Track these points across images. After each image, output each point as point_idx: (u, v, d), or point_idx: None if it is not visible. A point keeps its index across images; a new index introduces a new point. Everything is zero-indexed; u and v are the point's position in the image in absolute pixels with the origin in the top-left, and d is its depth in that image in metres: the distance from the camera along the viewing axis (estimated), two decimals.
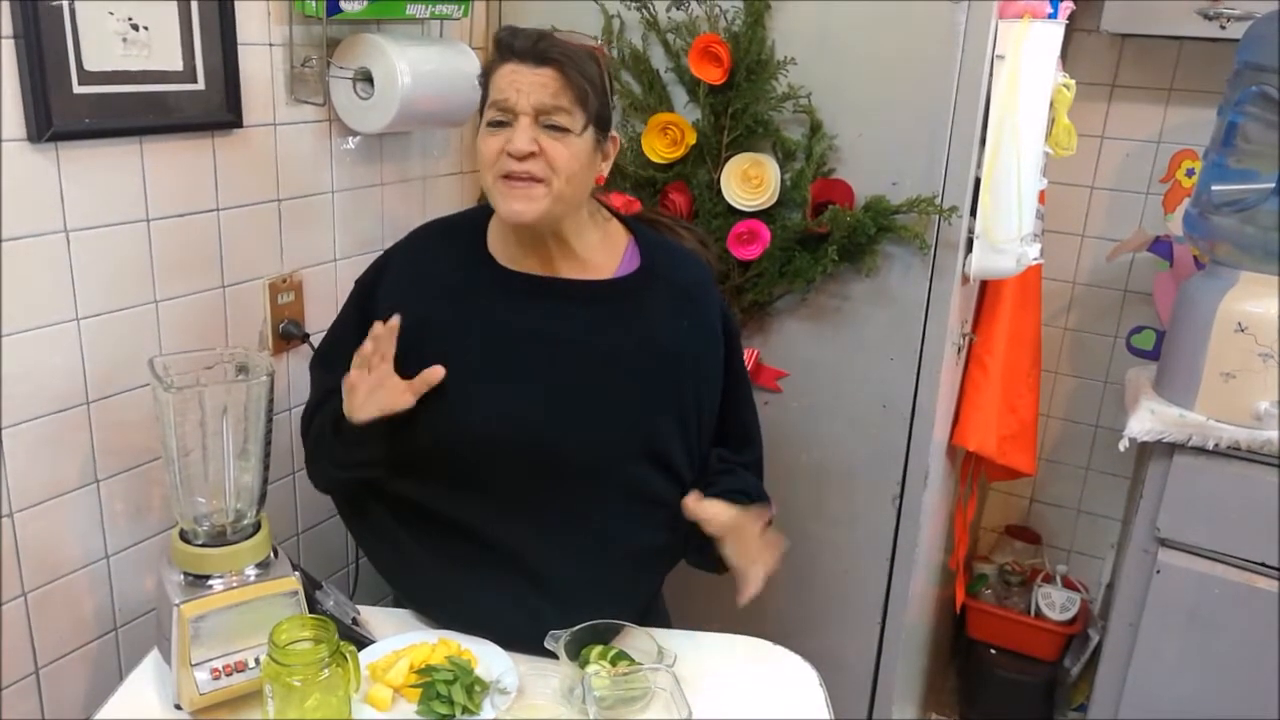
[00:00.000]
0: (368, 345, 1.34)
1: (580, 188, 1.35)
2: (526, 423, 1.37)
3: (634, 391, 1.40)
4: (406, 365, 1.37)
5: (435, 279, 1.42)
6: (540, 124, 1.29)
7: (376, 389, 1.34)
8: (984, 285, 2.01)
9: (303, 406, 1.53)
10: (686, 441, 1.45)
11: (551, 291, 1.40)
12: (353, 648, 1.21)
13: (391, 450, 1.38)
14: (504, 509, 1.39)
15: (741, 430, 1.55)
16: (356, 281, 1.49)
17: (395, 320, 1.35)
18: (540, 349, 1.38)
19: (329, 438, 1.40)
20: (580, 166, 1.33)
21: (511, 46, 1.30)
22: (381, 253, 1.51)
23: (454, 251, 1.44)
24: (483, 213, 1.47)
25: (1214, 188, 1.96)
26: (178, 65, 1.41)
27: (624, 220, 1.50)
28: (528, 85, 1.28)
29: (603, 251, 1.44)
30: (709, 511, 1.37)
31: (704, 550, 1.42)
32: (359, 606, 1.48)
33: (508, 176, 1.31)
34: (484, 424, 1.37)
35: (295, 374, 1.72)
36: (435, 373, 1.34)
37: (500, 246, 1.43)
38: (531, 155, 1.29)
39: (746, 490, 1.47)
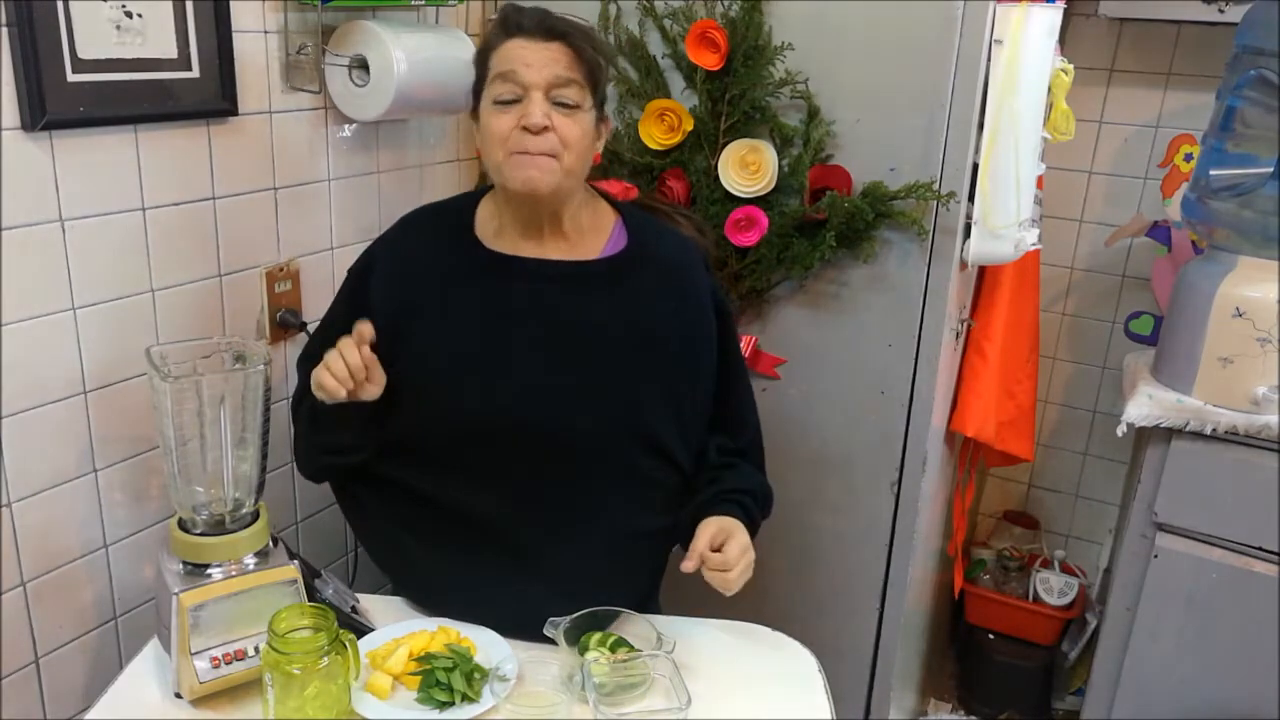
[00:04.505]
0: (354, 359, 1.30)
1: (585, 165, 1.37)
2: (516, 406, 1.37)
3: (623, 372, 1.40)
4: (395, 351, 1.37)
5: (424, 265, 1.42)
6: (550, 99, 1.30)
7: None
8: (982, 271, 2.00)
9: None
10: (680, 423, 1.45)
11: (540, 273, 1.40)
12: (352, 636, 1.22)
13: (371, 434, 1.39)
14: (497, 494, 1.39)
15: (737, 411, 1.55)
16: (349, 271, 1.49)
17: (369, 329, 1.31)
18: (529, 331, 1.38)
19: (310, 422, 1.41)
20: (587, 143, 1.35)
21: (520, 23, 1.31)
22: (373, 240, 1.51)
23: (442, 236, 1.44)
24: (471, 197, 1.47)
25: (1212, 172, 1.96)
26: (172, 53, 1.40)
27: (611, 201, 1.50)
28: (538, 60, 1.29)
29: (591, 232, 1.44)
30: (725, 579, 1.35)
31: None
32: (358, 595, 1.49)
33: (522, 153, 1.31)
34: (474, 408, 1.37)
35: (292, 363, 1.71)
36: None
37: (488, 230, 1.43)
38: (545, 130, 1.29)
39: (749, 489, 1.47)
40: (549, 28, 1.31)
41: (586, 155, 1.36)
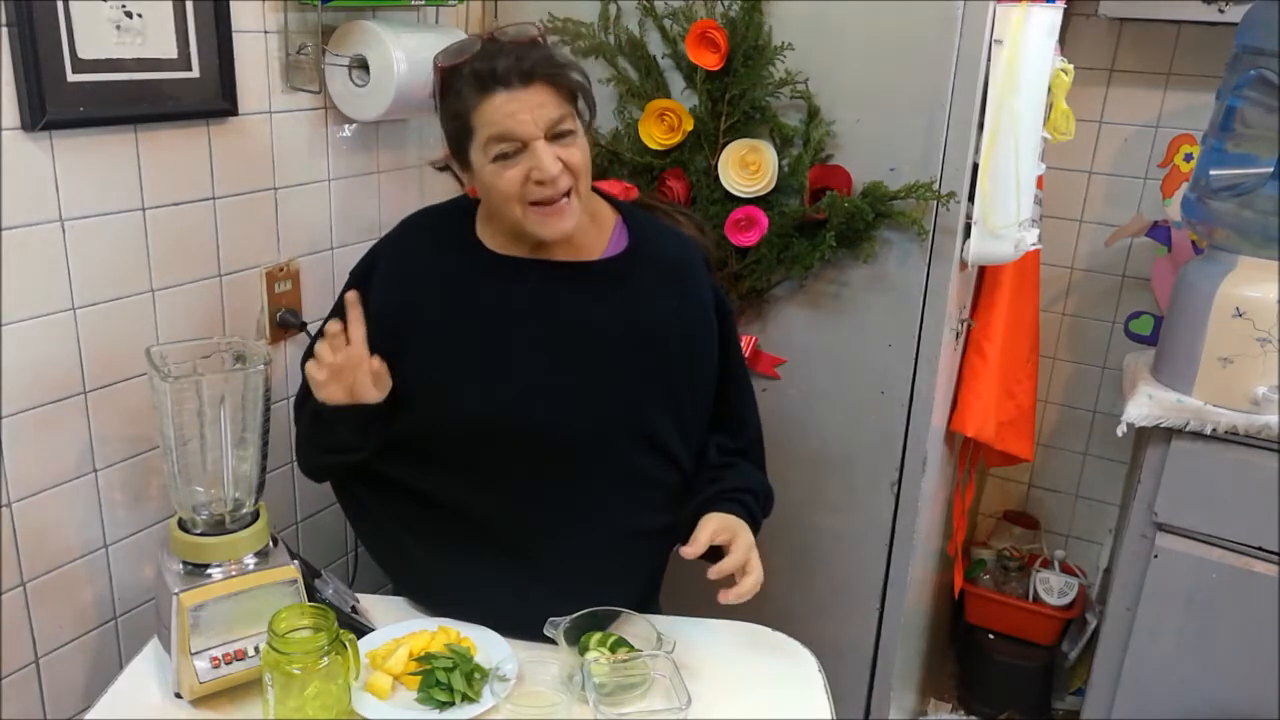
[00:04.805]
0: (334, 325, 1.35)
1: (590, 175, 1.36)
2: (517, 406, 1.37)
3: (624, 372, 1.40)
4: (399, 355, 1.37)
5: (425, 268, 1.42)
6: (548, 137, 1.29)
7: (344, 374, 1.35)
8: (982, 271, 2.00)
9: None
10: (680, 422, 1.45)
11: (542, 274, 1.40)
12: (352, 636, 1.22)
13: (374, 434, 1.39)
14: (497, 494, 1.39)
15: (738, 411, 1.55)
16: (350, 272, 1.49)
17: (354, 294, 1.37)
18: (530, 331, 1.39)
19: (312, 420, 1.41)
20: (590, 157, 1.34)
21: (494, 74, 1.27)
22: (375, 242, 1.51)
23: (443, 239, 1.44)
24: (472, 199, 1.47)
25: (1212, 172, 1.96)
26: (172, 53, 1.40)
27: (611, 201, 1.50)
28: (527, 109, 1.27)
29: (592, 232, 1.44)
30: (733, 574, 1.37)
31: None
32: (358, 594, 1.49)
33: (539, 203, 1.30)
34: (475, 408, 1.37)
35: (293, 363, 1.72)
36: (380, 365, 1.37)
37: (490, 232, 1.43)
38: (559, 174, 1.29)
39: (751, 488, 1.47)
40: (524, 72, 1.26)
41: (591, 167, 1.36)
